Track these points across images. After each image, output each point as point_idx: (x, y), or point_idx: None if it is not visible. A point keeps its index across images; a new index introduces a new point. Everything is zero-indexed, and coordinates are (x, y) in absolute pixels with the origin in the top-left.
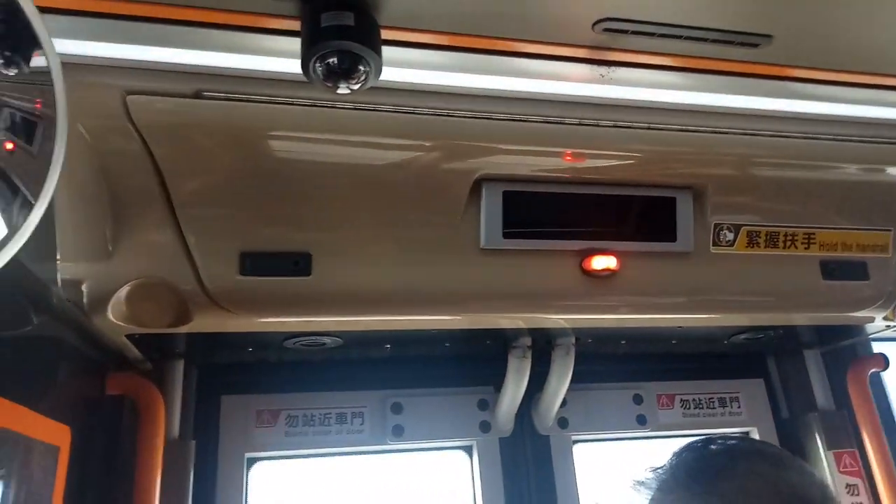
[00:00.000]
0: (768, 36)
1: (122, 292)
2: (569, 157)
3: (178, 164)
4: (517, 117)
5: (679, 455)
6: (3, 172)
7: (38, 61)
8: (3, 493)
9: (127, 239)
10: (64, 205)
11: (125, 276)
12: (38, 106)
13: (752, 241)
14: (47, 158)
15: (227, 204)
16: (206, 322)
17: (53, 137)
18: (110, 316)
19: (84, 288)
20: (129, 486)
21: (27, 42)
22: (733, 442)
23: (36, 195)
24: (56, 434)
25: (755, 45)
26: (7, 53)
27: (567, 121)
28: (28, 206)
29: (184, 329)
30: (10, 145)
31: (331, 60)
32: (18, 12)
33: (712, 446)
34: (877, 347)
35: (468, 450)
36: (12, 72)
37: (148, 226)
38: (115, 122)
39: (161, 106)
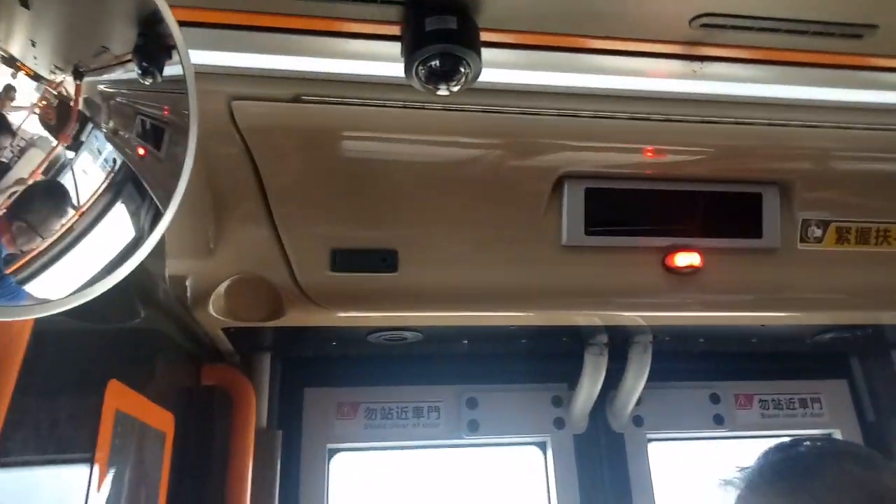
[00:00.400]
0: (874, 26)
1: (222, 287)
2: (653, 154)
3: (276, 165)
4: (602, 114)
5: (766, 455)
6: (136, 177)
7: (168, 71)
8: (119, 472)
9: (227, 237)
10: None
11: (226, 273)
12: (165, 112)
13: (841, 237)
14: (174, 163)
15: (320, 203)
16: (297, 316)
17: (180, 143)
18: (211, 310)
19: (188, 283)
20: (222, 473)
21: (162, 53)
22: (821, 443)
23: (164, 200)
24: (163, 420)
25: (859, 37)
26: (145, 64)
27: (653, 117)
28: (154, 210)
29: (277, 323)
30: (142, 151)
31: (433, 63)
32: (159, 26)
33: (800, 447)
34: None
35: (542, 446)
36: (148, 81)
37: (246, 224)
38: (219, 125)
39: (262, 110)
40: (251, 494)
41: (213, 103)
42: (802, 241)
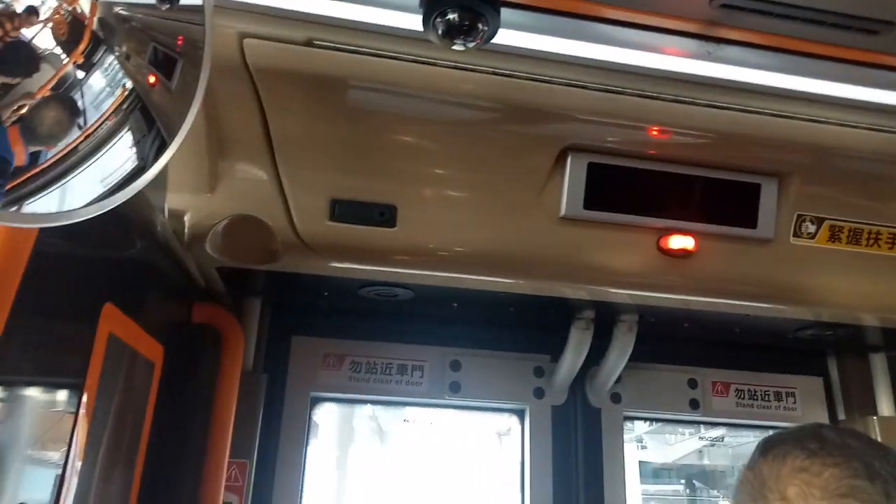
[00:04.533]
0: (891, 23)
1: (220, 226)
2: (658, 134)
3: (283, 108)
4: (612, 88)
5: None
6: (144, 105)
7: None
8: (108, 394)
9: (229, 176)
10: None
11: (224, 212)
12: (180, 42)
13: (834, 235)
14: (183, 95)
15: (323, 151)
16: (292, 262)
17: (192, 76)
18: (207, 248)
19: (186, 219)
20: (207, 410)
21: None
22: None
23: (170, 131)
24: (153, 350)
25: (875, 32)
26: None
27: (662, 96)
28: (160, 140)
29: (272, 267)
30: (153, 79)
31: (452, 17)
32: None
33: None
34: None
35: (521, 414)
36: (165, 7)
37: (249, 165)
38: (230, 63)
39: (274, 51)
40: (235, 434)
41: (224, 39)
42: (795, 235)
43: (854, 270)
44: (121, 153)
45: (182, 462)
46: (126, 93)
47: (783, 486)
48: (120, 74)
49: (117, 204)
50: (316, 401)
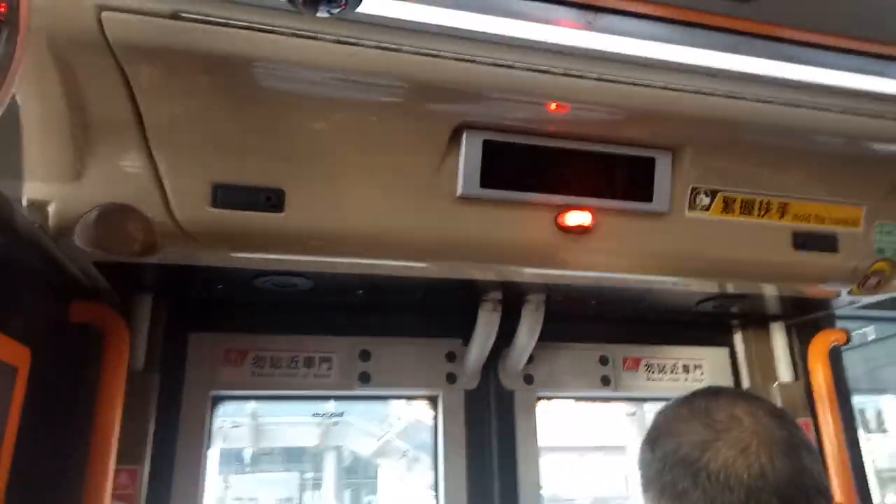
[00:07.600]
0: None
1: (90, 217)
2: (551, 109)
3: (153, 87)
4: (502, 62)
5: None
6: None
7: None
8: None
9: (96, 162)
10: (32, 122)
11: (93, 200)
12: (2, 9)
13: (727, 206)
14: (7, 64)
15: (201, 132)
16: (175, 253)
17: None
18: (76, 241)
19: (50, 210)
20: (90, 416)
21: None
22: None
23: None
24: (15, 354)
25: (745, 0)
26: None
27: (552, 70)
28: None
29: (152, 259)
30: None
31: None
32: None
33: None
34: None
35: (433, 400)
36: None
37: (119, 150)
38: (89, 38)
39: (137, 25)
40: (124, 439)
41: (79, 11)
42: (690, 207)
43: (749, 241)
44: None
45: (59, 472)
46: None
47: (728, 408)
48: None
49: None
50: (218, 400)
